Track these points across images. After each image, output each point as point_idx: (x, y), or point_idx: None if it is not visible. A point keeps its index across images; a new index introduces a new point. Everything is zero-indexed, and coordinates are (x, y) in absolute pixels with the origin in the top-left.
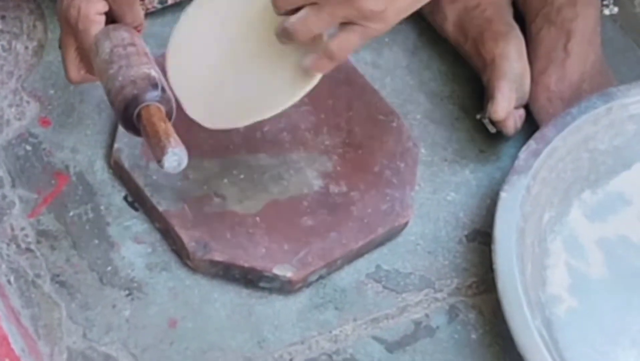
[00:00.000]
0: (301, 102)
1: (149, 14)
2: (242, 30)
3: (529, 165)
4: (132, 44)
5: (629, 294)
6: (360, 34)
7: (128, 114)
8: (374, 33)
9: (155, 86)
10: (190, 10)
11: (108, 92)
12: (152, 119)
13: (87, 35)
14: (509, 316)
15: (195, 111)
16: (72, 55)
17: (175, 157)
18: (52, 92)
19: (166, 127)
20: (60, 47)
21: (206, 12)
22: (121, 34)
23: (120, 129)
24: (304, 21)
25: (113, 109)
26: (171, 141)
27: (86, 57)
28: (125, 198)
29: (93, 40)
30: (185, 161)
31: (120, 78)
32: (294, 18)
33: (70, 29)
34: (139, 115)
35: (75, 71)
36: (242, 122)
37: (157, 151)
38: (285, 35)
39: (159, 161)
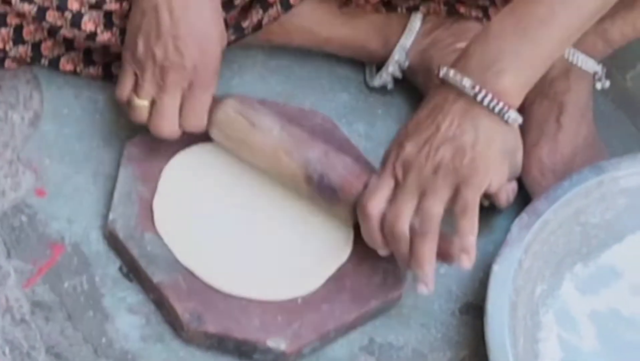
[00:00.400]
0: None
1: None
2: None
3: (521, 238)
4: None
5: None
6: (477, 191)
7: None
8: (479, 185)
9: None
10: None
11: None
12: None
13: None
14: None
15: (174, 243)
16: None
17: None
18: (47, 162)
19: None
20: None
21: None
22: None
23: (116, 200)
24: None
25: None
26: None
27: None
28: (120, 269)
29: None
30: None
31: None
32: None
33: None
34: None
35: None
36: (239, 290)
37: None
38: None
39: None
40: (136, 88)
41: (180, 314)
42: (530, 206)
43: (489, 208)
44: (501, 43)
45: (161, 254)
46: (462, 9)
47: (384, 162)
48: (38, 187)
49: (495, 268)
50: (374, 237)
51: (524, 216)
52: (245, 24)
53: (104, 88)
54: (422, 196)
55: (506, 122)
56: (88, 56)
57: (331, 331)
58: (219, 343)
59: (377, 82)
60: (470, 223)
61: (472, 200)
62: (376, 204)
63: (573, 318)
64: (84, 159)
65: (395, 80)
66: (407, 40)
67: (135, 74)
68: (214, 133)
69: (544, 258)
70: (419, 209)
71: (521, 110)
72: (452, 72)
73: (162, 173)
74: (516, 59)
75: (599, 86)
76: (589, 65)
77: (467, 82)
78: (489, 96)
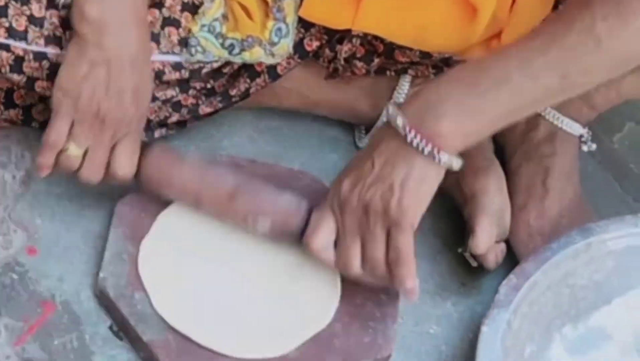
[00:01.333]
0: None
1: None
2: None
3: (510, 300)
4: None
5: None
6: (408, 234)
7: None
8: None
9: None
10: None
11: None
12: None
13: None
14: None
15: (162, 305)
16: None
17: None
18: (39, 221)
19: None
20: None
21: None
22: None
23: (106, 259)
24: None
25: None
26: None
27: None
28: (110, 327)
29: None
30: None
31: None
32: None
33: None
34: None
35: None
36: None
37: None
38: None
39: None
40: (71, 136)
41: None
42: (519, 268)
43: (477, 269)
44: (449, 90)
45: (151, 313)
46: None
47: (324, 196)
48: (29, 245)
49: (484, 329)
50: (332, 267)
51: (512, 278)
52: (233, 91)
53: None
54: (362, 239)
55: (438, 164)
56: None
57: None
58: None
59: (365, 143)
60: (405, 269)
61: (404, 245)
62: (319, 242)
63: None
64: (75, 218)
65: None
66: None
67: (72, 121)
68: (141, 178)
69: (533, 320)
70: (363, 256)
71: (508, 172)
72: (391, 108)
73: (149, 231)
74: (459, 108)
75: (585, 148)
76: (575, 128)
77: (400, 122)
78: (418, 137)
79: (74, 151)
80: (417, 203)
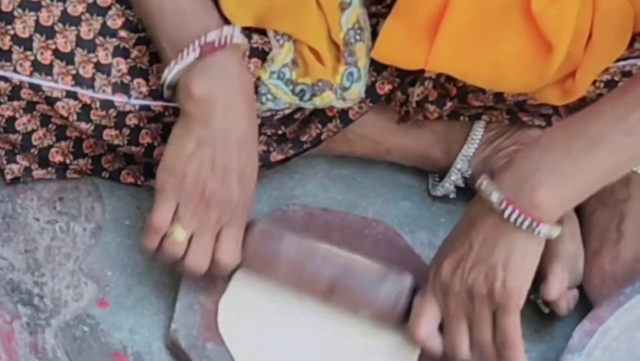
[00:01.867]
0: None
1: None
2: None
3: (583, 344)
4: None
5: None
6: (514, 315)
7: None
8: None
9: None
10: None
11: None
12: None
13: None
14: None
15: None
16: None
17: None
18: (109, 273)
19: None
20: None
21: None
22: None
23: (178, 311)
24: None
25: None
26: None
27: None
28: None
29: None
30: None
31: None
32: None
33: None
34: None
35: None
36: None
37: None
38: None
39: None
40: (177, 218)
41: None
42: (593, 313)
43: (549, 315)
44: (543, 157)
45: None
46: (524, 117)
47: (424, 281)
48: (100, 298)
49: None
50: (439, 353)
51: (585, 323)
52: (304, 138)
53: None
54: (469, 322)
55: (538, 235)
56: (149, 169)
57: None
58: None
59: (439, 191)
60: (514, 352)
61: (511, 327)
62: (424, 329)
63: None
64: (145, 269)
65: (458, 188)
66: (470, 148)
67: (177, 204)
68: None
69: None
70: (471, 339)
71: (582, 218)
72: (484, 183)
73: (230, 282)
74: (554, 174)
75: None
76: None
77: (495, 197)
78: (516, 212)
79: (179, 235)
80: (521, 282)
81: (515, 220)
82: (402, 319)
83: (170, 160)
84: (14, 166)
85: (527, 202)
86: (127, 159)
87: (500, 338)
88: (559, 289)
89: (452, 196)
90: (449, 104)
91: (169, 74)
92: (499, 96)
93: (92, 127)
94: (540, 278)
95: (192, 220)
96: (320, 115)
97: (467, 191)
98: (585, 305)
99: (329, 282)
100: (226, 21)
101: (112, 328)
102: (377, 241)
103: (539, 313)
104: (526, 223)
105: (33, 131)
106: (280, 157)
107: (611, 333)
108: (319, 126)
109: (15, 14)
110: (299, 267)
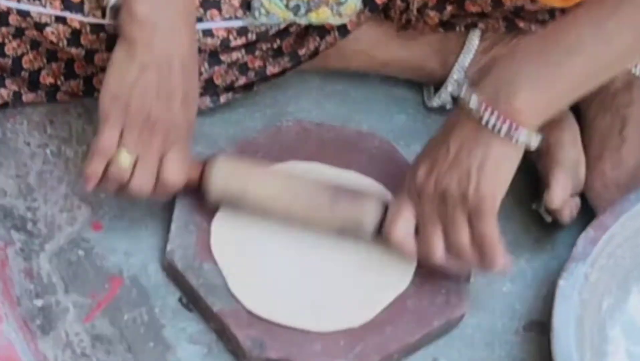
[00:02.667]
0: None
1: (198, 114)
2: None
3: (587, 253)
4: None
5: None
6: (488, 219)
7: None
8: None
9: None
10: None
11: None
12: None
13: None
14: None
15: (236, 284)
16: None
17: None
18: (102, 196)
19: None
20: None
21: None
22: None
23: (173, 232)
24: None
25: None
26: None
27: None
28: (179, 300)
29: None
30: None
31: None
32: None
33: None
34: None
35: None
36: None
37: None
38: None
39: None
40: (121, 143)
41: (242, 342)
42: (596, 221)
43: (551, 224)
44: (522, 65)
45: (220, 284)
46: (521, 24)
47: (401, 184)
48: (94, 221)
49: (561, 283)
50: (414, 257)
51: (589, 231)
52: (301, 51)
53: None
54: (443, 226)
55: (516, 144)
56: None
57: (394, 353)
58: None
59: (436, 102)
60: (493, 252)
61: (487, 230)
62: (399, 232)
63: None
64: None
65: (454, 99)
66: (466, 58)
67: (122, 129)
68: (211, 189)
69: (611, 272)
70: (447, 242)
71: (583, 124)
72: (464, 88)
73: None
74: (534, 80)
75: None
76: None
77: (474, 102)
78: (495, 116)
79: (125, 160)
80: (495, 187)
81: (494, 126)
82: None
83: (113, 86)
84: (3, 91)
85: (506, 105)
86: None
87: (478, 241)
88: (562, 196)
89: (449, 107)
90: (449, 7)
91: None
92: (497, 1)
93: (83, 52)
94: (542, 186)
95: (137, 144)
96: (318, 28)
97: None
98: (587, 213)
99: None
100: None
101: (107, 252)
102: (372, 155)
103: (540, 223)
104: (505, 128)
105: (23, 54)
106: (277, 70)
107: (615, 240)
108: (317, 38)
109: None
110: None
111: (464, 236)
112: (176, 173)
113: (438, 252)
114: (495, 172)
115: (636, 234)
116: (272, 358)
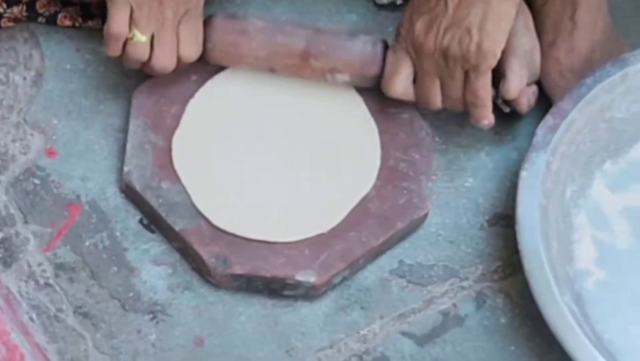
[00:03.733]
0: None
1: None
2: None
3: (548, 141)
4: None
5: None
6: (486, 77)
7: None
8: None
9: None
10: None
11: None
12: None
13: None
14: (538, 294)
15: (199, 197)
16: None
17: None
18: (55, 121)
19: None
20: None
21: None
22: None
23: (129, 152)
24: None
25: None
26: None
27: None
28: (140, 221)
29: None
30: None
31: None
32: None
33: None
34: None
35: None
36: (257, 235)
37: None
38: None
39: None
40: (133, 23)
41: (206, 259)
42: (555, 108)
43: (509, 115)
44: None
45: (180, 202)
46: None
47: (397, 36)
48: (48, 148)
49: (523, 174)
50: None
51: (549, 118)
52: None
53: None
54: (441, 80)
55: None
56: (86, 9)
57: (360, 258)
58: (247, 283)
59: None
60: (483, 110)
61: (482, 88)
62: (399, 86)
63: (606, 216)
64: (92, 114)
65: None
66: None
67: (131, 9)
68: (208, 52)
69: (572, 159)
70: (443, 95)
71: (534, 11)
72: None
73: (183, 115)
74: None
75: None
76: None
77: None
78: None
79: (140, 39)
80: (496, 44)
81: None
82: (380, 70)
83: None
84: None
85: None
86: (62, 1)
87: (470, 98)
88: (519, 86)
89: (399, 2)
90: None
91: None
92: None
93: None
94: (498, 77)
95: (148, 22)
96: None
97: None
98: (545, 102)
99: (302, 50)
100: None
101: (64, 178)
102: None
103: (499, 114)
104: None
105: None
106: None
107: (575, 125)
108: None
109: None
110: (271, 40)
111: (459, 90)
112: (192, 44)
113: (437, 100)
114: (496, 29)
115: (595, 119)
116: (237, 274)
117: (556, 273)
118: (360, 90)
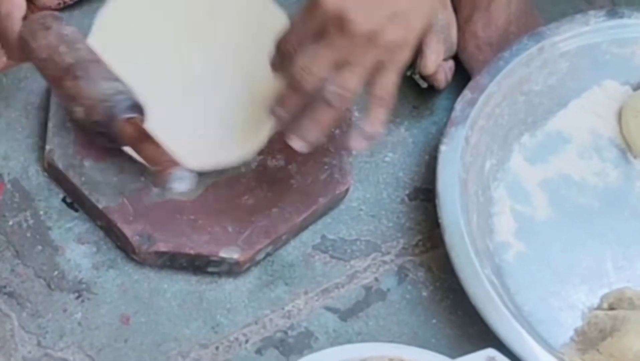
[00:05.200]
0: None
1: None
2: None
3: (466, 115)
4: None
5: (575, 232)
6: (396, 69)
7: (110, 132)
8: (403, 62)
9: (131, 99)
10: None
11: (70, 102)
12: (141, 141)
13: (11, 21)
14: (458, 267)
15: None
16: None
17: (182, 181)
18: None
19: (161, 150)
20: None
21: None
22: (63, 30)
23: (50, 131)
24: (342, 82)
25: (82, 122)
26: (174, 167)
27: (8, 44)
28: (63, 200)
29: (24, 30)
30: (191, 182)
31: (89, 93)
32: (334, 85)
33: None
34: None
35: None
36: None
37: (161, 178)
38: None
39: (165, 187)
40: None
41: (130, 237)
42: (473, 82)
43: (427, 90)
44: None
45: (103, 180)
46: None
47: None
48: None
49: (443, 148)
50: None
51: (467, 93)
52: None
53: None
54: (343, 60)
55: None
56: None
57: (282, 234)
58: (171, 261)
59: None
60: (384, 112)
61: (393, 84)
62: (293, 41)
63: (524, 189)
64: (12, 93)
65: None
66: None
67: None
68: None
69: (491, 132)
70: (335, 76)
71: None
72: None
73: (90, 33)
74: None
75: None
76: None
77: None
78: None
79: None
80: (410, 33)
81: None
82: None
83: None
84: None
85: None
86: None
87: (378, 91)
88: (436, 61)
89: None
90: None
91: None
92: None
93: None
94: (415, 53)
95: None
96: None
97: None
98: (463, 76)
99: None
100: None
101: None
102: None
103: (417, 89)
104: None
105: None
106: None
107: (494, 99)
108: None
109: None
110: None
111: (357, 80)
112: None
113: (317, 71)
114: (417, 17)
115: (513, 92)
116: (162, 251)
117: (476, 246)
118: None
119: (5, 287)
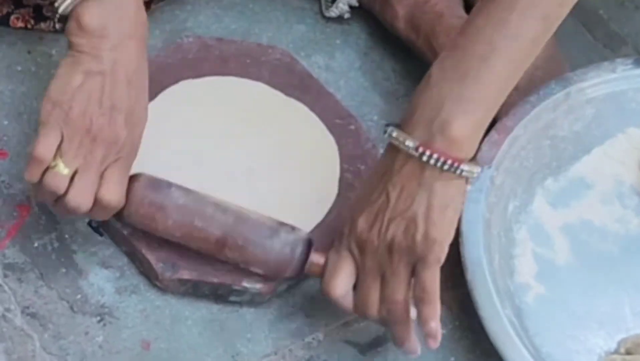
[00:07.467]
0: None
1: None
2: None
3: (492, 156)
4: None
5: (594, 277)
6: (434, 269)
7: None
8: (441, 258)
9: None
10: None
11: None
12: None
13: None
14: (480, 306)
15: None
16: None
17: None
18: (5, 122)
19: None
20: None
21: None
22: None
23: None
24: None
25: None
26: None
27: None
28: (89, 224)
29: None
30: None
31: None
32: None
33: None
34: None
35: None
36: None
37: None
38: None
39: None
40: (59, 152)
41: (154, 264)
42: (500, 123)
43: None
44: (443, 90)
45: None
46: None
47: (339, 237)
48: None
49: (468, 188)
50: (349, 312)
51: (493, 134)
52: None
53: (56, 41)
54: (383, 279)
55: (460, 176)
56: (39, 11)
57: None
58: (194, 288)
59: (333, 12)
60: (432, 308)
61: (431, 282)
62: (339, 288)
63: (546, 232)
64: None
65: (352, 8)
66: None
67: (62, 137)
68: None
69: (515, 175)
70: (383, 298)
71: None
72: (395, 132)
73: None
74: (461, 103)
75: None
76: None
77: (410, 143)
78: (435, 155)
79: (63, 169)
80: (444, 232)
81: (436, 163)
82: (296, 274)
83: (55, 91)
84: None
85: (443, 140)
86: (15, 2)
87: (418, 293)
88: None
89: (347, 16)
90: None
91: (63, 3)
92: None
93: None
94: None
95: (76, 156)
96: None
97: (361, 11)
98: None
99: (217, 239)
100: None
101: (14, 179)
102: (274, 67)
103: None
104: (447, 165)
105: None
106: None
107: (519, 142)
108: None
109: None
110: (187, 222)
111: (402, 291)
112: (115, 192)
113: (375, 308)
114: (442, 215)
115: (538, 136)
116: (185, 279)
117: (497, 286)
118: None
119: (28, 308)
